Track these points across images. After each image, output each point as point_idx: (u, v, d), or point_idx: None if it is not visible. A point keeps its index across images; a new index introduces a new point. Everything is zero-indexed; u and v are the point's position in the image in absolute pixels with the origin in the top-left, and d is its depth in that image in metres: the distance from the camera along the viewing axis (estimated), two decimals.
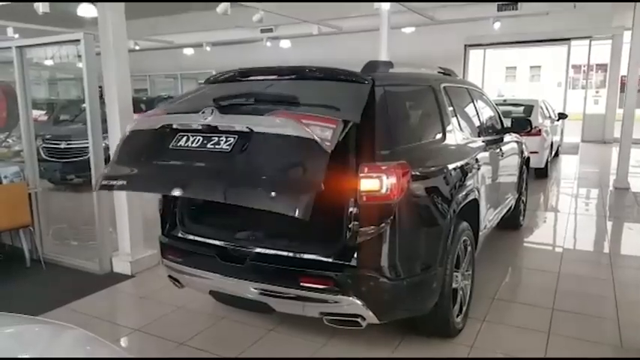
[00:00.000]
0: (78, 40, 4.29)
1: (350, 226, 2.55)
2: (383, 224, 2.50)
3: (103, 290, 4.21)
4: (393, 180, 2.49)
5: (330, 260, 2.61)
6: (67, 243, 5.76)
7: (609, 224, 6.16)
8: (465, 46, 13.91)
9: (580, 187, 8.75)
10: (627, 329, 3.32)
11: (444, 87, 3.59)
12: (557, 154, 11.71)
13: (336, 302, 2.57)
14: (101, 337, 1.64)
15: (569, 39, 13.77)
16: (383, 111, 2.70)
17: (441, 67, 4.04)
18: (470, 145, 3.62)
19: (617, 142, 14.05)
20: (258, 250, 2.81)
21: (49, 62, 12.16)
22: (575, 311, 3.60)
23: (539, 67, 33.93)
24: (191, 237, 3.09)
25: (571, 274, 4.36)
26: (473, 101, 4.25)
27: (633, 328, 3.35)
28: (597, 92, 15.42)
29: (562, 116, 11.50)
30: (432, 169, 2.91)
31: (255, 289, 2.74)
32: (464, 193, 3.18)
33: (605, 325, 3.41)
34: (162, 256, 3.18)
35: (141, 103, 9.98)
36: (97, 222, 4.62)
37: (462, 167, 3.23)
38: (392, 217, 2.51)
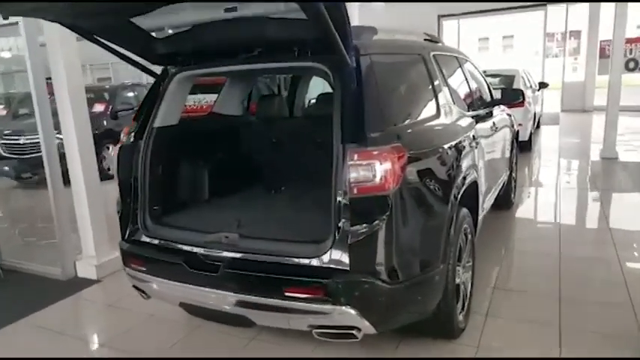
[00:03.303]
0: (16, 23, 3.79)
1: (339, 224, 2.17)
2: (378, 220, 2.14)
3: (66, 299, 3.81)
4: (387, 167, 2.12)
5: (317, 265, 2.23)
6: (26, 247, 5.32)
7: (603, 197, 5.91)
8: (439, 17, 13.47)
9: (566, 159, 8.53)
10: None
11: (434, 55, 3.21)
12: (538, 126, 11.50)
13: (326, 313, 2.21)
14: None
15: (545, 3, 13.42)
16: (371, 85, 2.32)
17: (426, 34, 3.65)
18: (465, 120, 3.26)
19: (597, 111, 14.18)
20: (233, 255, 2.42)
21: (5, 54, 11.50)
22: (584, 299, 3.32)
23: (512, 36, 33.70)
24: (156, 242, 2.68)
25: (573, 256, 4.08)
26: (463, 71, 3.88)
27: None
28: (575, 59, 15.18)
29: (543, 86, 11.24)
30: (429, 150, 2.55)
31: (232, 300, 2.36)
32: (463, 175, 2.84)
33: (619, 313, 3.13)
34: (124, 265, 2.77)
35: (104, 92, 9.35)
36: (56, 223, 4.18)
37: (459, 146, 2.88)
38: (388, 212, 2.14)
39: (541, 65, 14.34)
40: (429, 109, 2.86)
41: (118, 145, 2.81)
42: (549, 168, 7.95)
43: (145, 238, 2.72)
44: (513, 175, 5.45)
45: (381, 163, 2.11)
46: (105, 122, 8.31)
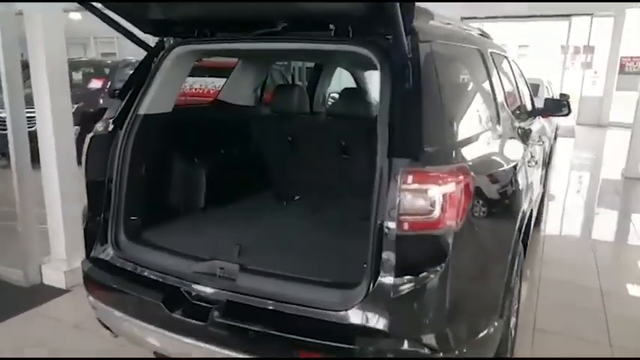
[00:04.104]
0: None
1: (379, 271, 1.56)
2: (432, 270, 1.53)
3: (25, 313, 3.17)
4: (452, 195, 1.51)
5: (344, 321, 1.63)
6: None
7: (635, 221, 5.37)
8: (462, 19, 12.86)
9: (586, 175, 8.16)
10: None
11: (491, 53, 2.62)
12: (555, 138, 11.03)
13: None
14: None
15: (569, 15, 12.88)
16: (432, 82, 1.71)
17: (478, 29, 3.04)
18: (521, 133, 2.67)
19: (612, 127, 13.71)
20: (229, 295, 1.81)
21: None
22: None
23: (527, 46, 33.18)
24: (129, 266, 2.05)
25: (614, 292, 3.56)
26: (514, 75, 3.29)
27: None
28: (595, 73, 14.62)
29: (564, 97, 10.72)
30: (494, 172, 1.96)
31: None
32: (525, 202, 2.24)
33: None
34: (87, 291, 2.18)
35: (104, 67, 8.71)
36: (19, 215, 3.54)
37: (521, 166, 2.29)
38: (447, 258, 1.54)
39: (559, 77, 13.79)
40: (490, 119, 2.25)
41: (89, 135, 2.18)
42: (571, 184, 7.43)
43: (115, 260, 2.10)
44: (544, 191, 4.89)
45: (443, 190, 1.50)
46: (101, 100, 7.64)
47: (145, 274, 2.00)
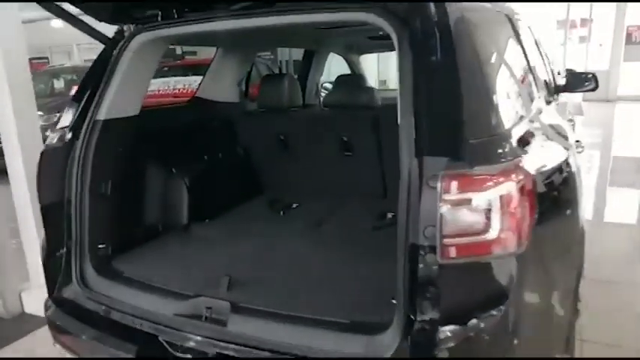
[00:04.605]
0: None
1: (414, 311, 1.17)
2: (493, 312, 1.13)
3: (2, 349, 2.82)
4: (513, 203, 1.11)
5: None
6: None
7: None
8: None
9: (604, 157, 7.59)
10: None
11: (517, 19, 2.22)
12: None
13: None
14: None
15: None
16: (467, 56, 1.31)
17: None
18: (560, 116, 2.27)
19: (621, 101, 13.20)
20: (219, 347, 1.41)
21: None
22: None
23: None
24: (98, 308, 1.67)
25: None
26: (538, 45, 2.90)
27: None
28: (600, 46, 14.10)
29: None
30: (553, 169, 1.54)
31: None
32: (581, 205, 1.83)
33: None
34: (53, 337, 1.79)
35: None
36: None
37: (573, 158, 1.88)
38: (511, 294, 1.14)
39: (556, 52, 13.27)
40: (531, 99, 1.85)
41: (41, 150, 1.78)
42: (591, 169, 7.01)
43: (81, 299, 1.71)
44: None
45: (501, 199, 1.10)
46: None
47: (117, 318, 1.61)
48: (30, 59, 3.05)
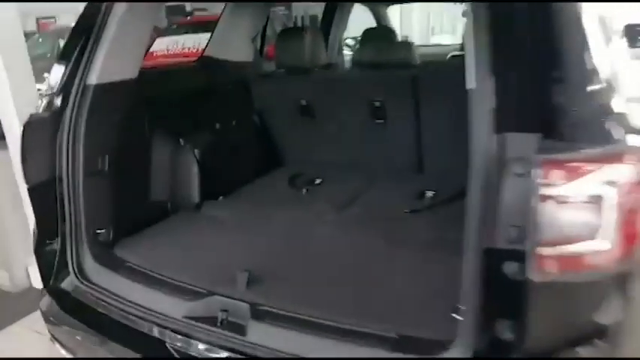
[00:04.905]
0: None
1: (491, 329, 0.92)
2: (601, 340, 0.87)
3: (10, 326, 2.77)
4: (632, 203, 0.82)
5: None
6: None
7: None
8: None
9: None
10: None
11: None
12: None
13: None
14: None
15: None
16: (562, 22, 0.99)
17: None
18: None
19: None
20: (234, 355, 1.20)
21: None
22: None
23: None
24: (97, 304, 1.46)
25: None
26: None
27: None
28: None
29: None
30: None
31: None
32: None
33: None
34: (49, 333, 1.59)
35: None
36: None
37: None
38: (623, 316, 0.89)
39: None
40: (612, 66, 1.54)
41: (24, 121, 1.54)
42: None
43: (79, 292, 1.51)
44: None
45: (619, 193, 0.81)
46: None
47: (119, 317, 1.39)
48: (37, 19, 2.80)
